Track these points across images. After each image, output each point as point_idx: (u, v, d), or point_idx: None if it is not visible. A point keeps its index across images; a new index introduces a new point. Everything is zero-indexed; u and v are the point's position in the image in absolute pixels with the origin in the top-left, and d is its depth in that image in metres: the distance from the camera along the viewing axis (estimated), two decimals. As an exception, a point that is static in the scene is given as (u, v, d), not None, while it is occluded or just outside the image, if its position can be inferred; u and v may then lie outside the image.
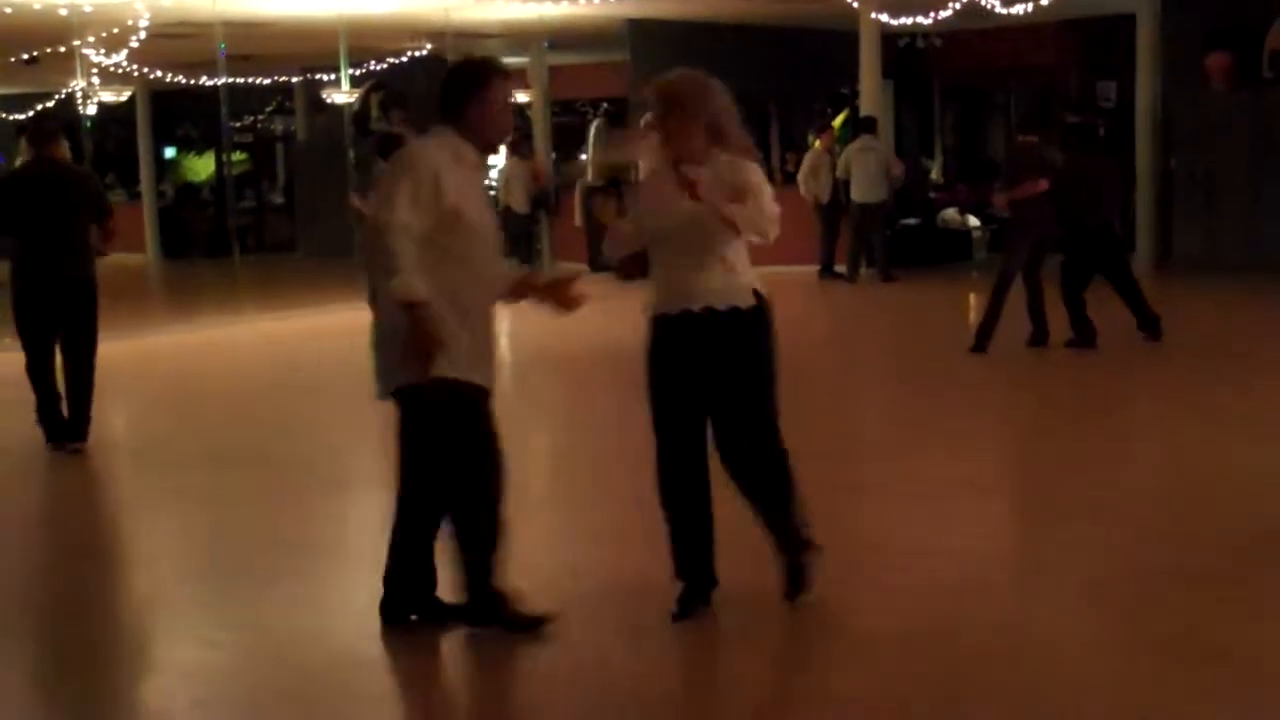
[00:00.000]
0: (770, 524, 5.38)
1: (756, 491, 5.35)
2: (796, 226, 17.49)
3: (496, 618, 5.20)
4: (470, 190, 5.10)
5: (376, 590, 5.47)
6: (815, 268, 17.62)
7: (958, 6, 16.69)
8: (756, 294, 5.23)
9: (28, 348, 8.81)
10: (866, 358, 12.35)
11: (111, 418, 9.94)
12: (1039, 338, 11.50)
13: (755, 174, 5.20)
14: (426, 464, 5.18)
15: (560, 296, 5.41)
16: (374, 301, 5.51)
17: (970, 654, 4.99)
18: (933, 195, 20.58)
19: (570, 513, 7.34)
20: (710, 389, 5.23)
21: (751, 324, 5.23)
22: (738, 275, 5.21)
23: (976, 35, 20.32)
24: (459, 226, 4.99)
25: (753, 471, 5.31)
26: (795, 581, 5.39)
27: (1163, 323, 11.59)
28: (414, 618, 5.40)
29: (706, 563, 5.40)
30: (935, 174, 22.48)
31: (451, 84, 5.13)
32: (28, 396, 8.92)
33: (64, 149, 9.03)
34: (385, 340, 5.15)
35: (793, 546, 5.39)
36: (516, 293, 5.41)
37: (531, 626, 5.21)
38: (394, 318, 4.98)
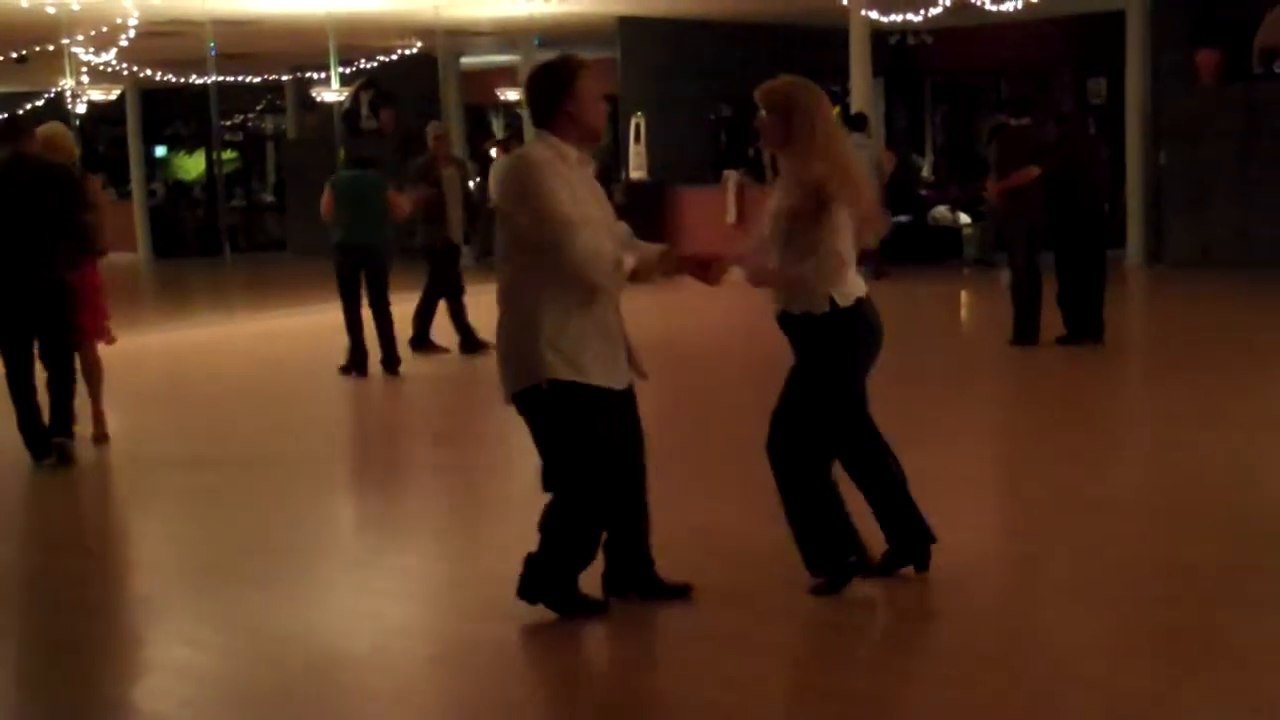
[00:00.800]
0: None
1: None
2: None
3: (551, 602, 5.27)
4: (581, 190, 5.14)
5: (364, 590, 5.44)
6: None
7: (948, 4, 16.69)
8: (832, 301, 5.28)
9: (4, 353, 8.55)
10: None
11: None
12: (1028, 335, 11.47)
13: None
14: (567, 461, 5.17)
15: (703, 273, 5.38)
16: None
17: (967, 649, 4.98)
18: (924, 192, 20.58)
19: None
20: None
21: (816, 331, 5.33)
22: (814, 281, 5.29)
23: (967, 32, 20.32)
24: None
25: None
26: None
27: (1105, 333, 11.41)
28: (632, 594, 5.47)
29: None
30: (926, 171, 22.48)
31: (538, 89, 5.20)
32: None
33: (38, 143, 8.63)
34: (504, 346, 5.22)
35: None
36: (662, 268, 5.35)
37: (592, 610, 5.29)
38: (512, 326, 5.13)
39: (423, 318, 12.37)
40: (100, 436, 9.09)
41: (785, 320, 5.38)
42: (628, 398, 5.28)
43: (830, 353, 5.33)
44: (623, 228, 5.36)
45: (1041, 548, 6.30)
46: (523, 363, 5.12)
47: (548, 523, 5.23)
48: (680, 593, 5.46)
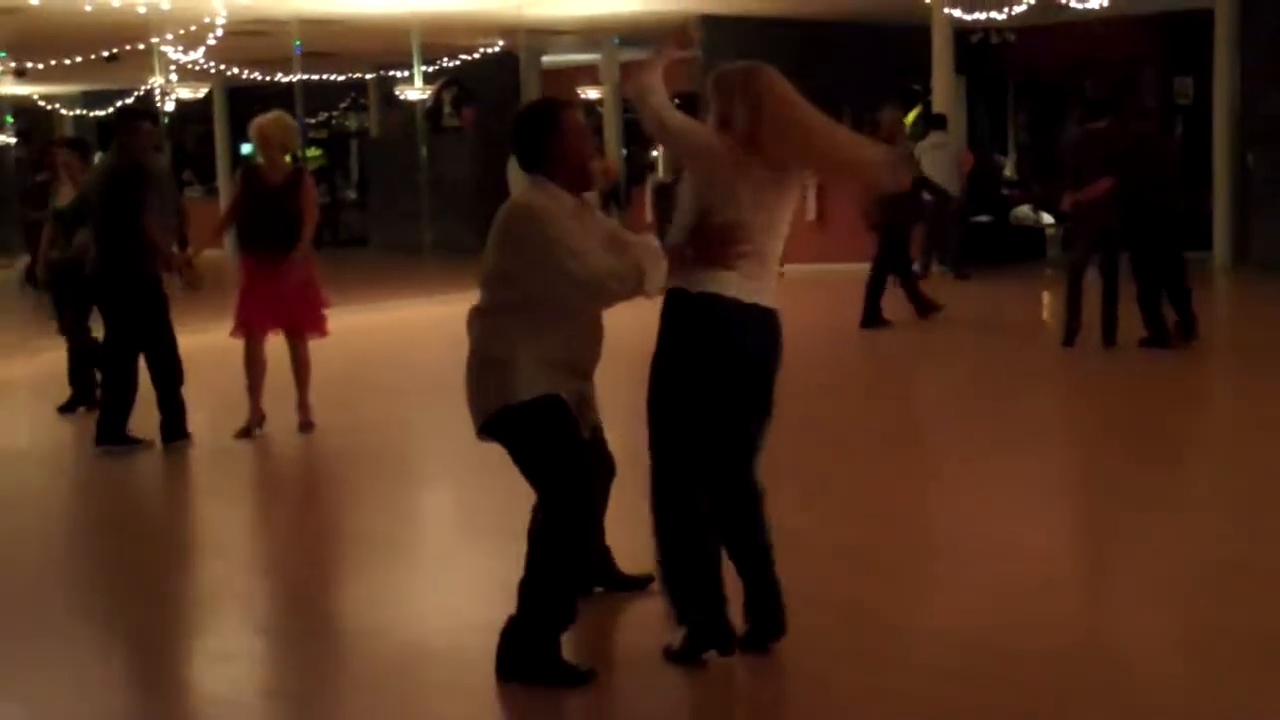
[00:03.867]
0: None
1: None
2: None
3: (545, 677, 4.82)
4: (583, 238, 4.84)
5: (441, 583, 5.49)
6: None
7: (1031, 1, 16.55)
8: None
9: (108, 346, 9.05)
10: (939, 355, 12.29)
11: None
12: (1109, 336, 11.35)
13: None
14: (558, 468, 4.86)
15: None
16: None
17: (1040, 654, 4.94)
18: (1006, 192, 20.41)
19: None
20: None
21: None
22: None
23: (1050, 30, 20.12)
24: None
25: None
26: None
27: (1197, 329, 11.24)
28: (598, 589, 5.52)
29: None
30: (1009, 171, 22.30)
31: (523, 131, 4.92)
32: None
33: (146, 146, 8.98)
34: (471, 374, 5.00)
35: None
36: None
37: (581, 680, 4.83)
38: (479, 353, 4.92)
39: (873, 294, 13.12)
40: (305, 425, 9.34)
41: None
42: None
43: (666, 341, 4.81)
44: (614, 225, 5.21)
45: (1115, 550, 6.25)
46: (518, 379, 4.83)
47: (539, 551, 4.82)
48: (644, 583, 5.48)
